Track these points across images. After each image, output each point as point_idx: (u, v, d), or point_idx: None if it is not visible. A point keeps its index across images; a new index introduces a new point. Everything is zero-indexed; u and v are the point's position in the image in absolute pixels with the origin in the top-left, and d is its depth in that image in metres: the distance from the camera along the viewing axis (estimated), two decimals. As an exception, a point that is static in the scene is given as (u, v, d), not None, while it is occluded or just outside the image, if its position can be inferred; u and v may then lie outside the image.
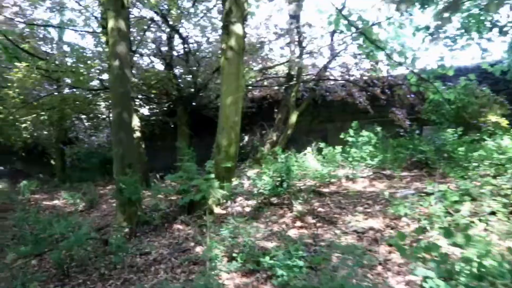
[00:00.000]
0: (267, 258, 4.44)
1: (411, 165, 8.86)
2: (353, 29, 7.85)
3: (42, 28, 14.47)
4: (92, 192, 11.28)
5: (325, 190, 7.56)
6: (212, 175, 6.78)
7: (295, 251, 4.46)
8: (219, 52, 13.20)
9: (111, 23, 6.99)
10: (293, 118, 13.49)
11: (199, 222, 6.70)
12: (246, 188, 8.32)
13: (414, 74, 8.33)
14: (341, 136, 10.04)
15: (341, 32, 10.97)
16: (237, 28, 7.17)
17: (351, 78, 13.48)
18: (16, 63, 10.01)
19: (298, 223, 6.11)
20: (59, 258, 5.34)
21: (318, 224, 5.96)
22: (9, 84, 11.70)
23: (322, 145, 10.14)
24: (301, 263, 4.22)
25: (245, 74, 8.52)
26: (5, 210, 10.34)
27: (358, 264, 4.02)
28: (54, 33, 15.86)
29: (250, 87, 14.27)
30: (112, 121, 7.44)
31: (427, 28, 8.66)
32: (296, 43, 13.53)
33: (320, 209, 6.56)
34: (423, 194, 6.18)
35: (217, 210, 7.02)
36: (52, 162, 18.57)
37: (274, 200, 7.15)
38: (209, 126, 14.88)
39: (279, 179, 6.99)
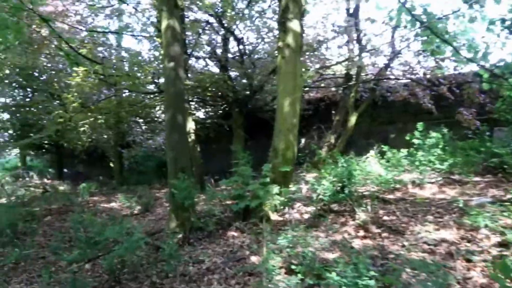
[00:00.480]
0: (334, 274, 3.97)
1: (483, 169, 8.10)
2: (418, 24, 7.25)
3: (101, 34, 14.85)
4: (147, 195, 11.30)
5: (390, 196, 6.99)
6: (269, 180, 6.44)
7: (363, 269, 3.95)
8: (275, 52, 12.95)
9: (164, 23, 6.85)
10: (352, 120, 12.91)
11: (255, 230, 6.37)
12: (304, 193, 7.90)
13: (486, 70, 7.57)
14: (407, 138, 9.30)
15: (405, 27, 10.30)
16: (294, 25, 6.80)
17: (414, 77, 12.69)
18: (74, 68, 10.21)
19: (362, 233, 5.62)
20: (111, 264, 5.19)
21: (383, 235, 5.45)
22: (71, 90, 11.99)
23: (385, 148, 9.49)
24: (372, 283, 3.73)
25: (302, 74, 8.09)
26: (65, 212, 10.55)
27: (436, 284, 3.50)
28: (113, 39, 16.29)
29: (306, 89, 13.82)
30: (165, 123, 7.29)
31: (503, 21, 7.87)
32: (354, 41, 12.96)
33: (385, 217, 6.03)
34: (504, 203, 5.50)
35: (274, 216, 6.65)
36: (111, 165, 19.03)
37: (334, 207, 6.70)
38: (264, 128, 14.58)
39: (340, 184, 6.52)
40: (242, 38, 13.25)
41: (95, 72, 10.39)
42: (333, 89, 14.75)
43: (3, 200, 12.14)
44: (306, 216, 6.66)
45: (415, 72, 12.80)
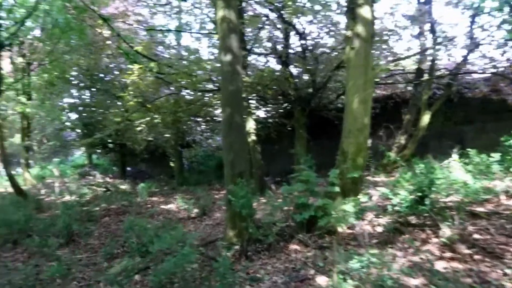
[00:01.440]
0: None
1: None
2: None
3: (160, 33, 14.76)
4: (206, 198, 10.91)
5: (480, 209, 5.97)
6: (337, 188, 5.70)
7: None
8: (339, 47, 12.11)
9: (220, 14, 6.27)
10: (425, 119, 11.81)
11: (320, 243, 5.66)
12: (375, 201, 7.07)
13: None
14: (502, 139, 7.95)
15: (488, 13, 9.13)
16: (365, 11, 5.99)
17: (497, 70, 11.37)
18: (130, 66, 10.00)
19: (448, 253, 4.73)
20: (160, 280, 4.69)
21: (476, 257, 4.54)
22: (127, 89, 11.88)
23: (471, 151, 8.28)
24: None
25: (374, 67, 7.22)
26: (123, 213, 10.38)
27: None
28: (172, 38, 16.20)
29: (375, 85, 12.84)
30: (222, 123, 6.69)
31: None
32: (427, 32, 11.84)
33: (476, 235, 5.08)
34: None
35: (342, 229, 5.88)
36: (172, 164, 19.01)
37: (412, 219, 5.81)
38: (328, 128, 13.81)
39: (419, 193, 5.62)
40: (304, 32, 12.49)
41: (150, 70, 10.08)
42: (401, 85, 13.66)
43: (67, 198, 12.27)
44: (379, 229, 5.84)
45: (498, 65, 11.48)
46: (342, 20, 12.00)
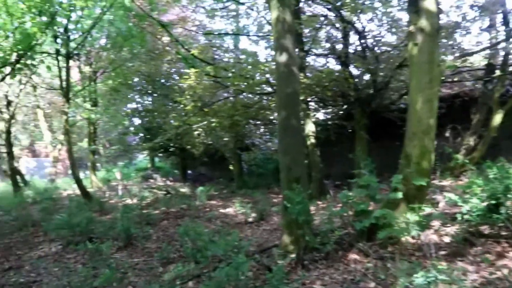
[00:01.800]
0: None
1: None
2: None
3: (218, 38, 14.88)
4: (264, 202, 10.76)
5: None
6: (400, 194, 5.31)
7: None
8: (401, 44, 11.54)
9: (274, 14, 6.08)
10: (497, 118, 10.93)
11: (382, 253, 5.30)
12: (441, 208, 6.58)
13: None
14: None
15: None
16: (429, 3, 5.54)
17: None
18: (186, 70, 10.06)
19: (529, 269, 4.25)
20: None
21: (562, 274, 4.03)
22: (184, 93, 12.01)
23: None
24: None
25: (440, 64, 6.69)
26: (181, 216, 10.45)
27: None
28: (230, 42, 16.31)
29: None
30: (277, 126, 6.48)
31: None
32: (499, 25, 11.01)
33: (561, 249, 4.54)
34: None
35: (406, 238, 5.48)
36: (231, 167, 19.09)
37: (485, 229, 5.29)
38: (389, 129, 13.21)
39: (493, 201, 5.09)
40: (364, 30, 12.04)
41: (206, 74, 10.09)
42: (470, 83, 12.78)
43: (129, 201, 12.59)
44: (446, 239, 5.38)
45: None
46: (403, 16, 11.49)
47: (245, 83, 10.96)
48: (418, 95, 5.55)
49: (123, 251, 7.29)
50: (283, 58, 5.97)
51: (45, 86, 20.22)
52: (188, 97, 11.82)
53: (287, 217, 5.76)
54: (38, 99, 21.28)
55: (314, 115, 14.77)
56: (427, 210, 5.69)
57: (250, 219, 9.53)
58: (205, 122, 13.32)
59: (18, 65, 10.56)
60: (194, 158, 21.30)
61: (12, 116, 17.41)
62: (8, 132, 17.26)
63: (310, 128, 12.01)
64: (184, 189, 16.04)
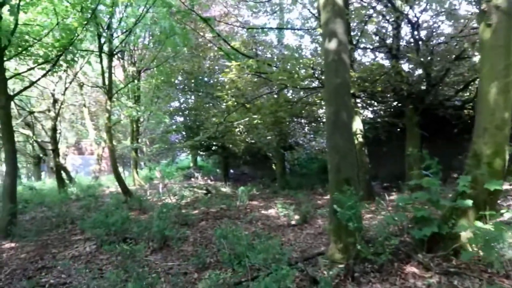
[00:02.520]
0: None
1: None
2: None
3: (262, 34, 14.43)
4: (307, 204, 10.16)
5: None
6: (470, 202, 4.56)
7: None
8: (459, 33, 10.60)
9: (323, -4, 5.47)
10: None
11: (445, 267, 4.58)
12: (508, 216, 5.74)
13: None
14: None
15: None
16: (506, -25, 4.75)
17: None
18: (227, 63, 9.60)
19: None
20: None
21: None
22: (224, 88, 11.57)
23: None
24: None
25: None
26: (221, 217, 9.99)
27: None
28: (274, 38, 15.85)
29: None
30: (326, 122, 5.81)
31: None
32: None
33: None
34: None
35: (473, 249, 4.72)
36: (274, 167, 18.58)
37: None
38: (442, 128, 12.29)
39: None
40: (418, 21, 11.16)
41: (249, 67, 9.53)
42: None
43: (168, 200, 12.28)
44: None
45: None
46: (462, 6, 10.56)
47: (290, 77, 10.28)
48: (490, 85, 4.75)
49: (157, 253, 6.88)
50: (332, 45, 5.33)
51: (90, 84, 20.48)
52: (229, 92, 11.30)
53: (336, 222, 5.12)
54: (84, 98, 21.57)
55: (362, 112, 13.97)
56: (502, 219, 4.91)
57: (293, 222, 8.94)
58: (246, 119, 12.74)
59: (59, 61, 10.44)
60: (236, 157, 20.94)
61: (58, 114, 17.61)
62: (54, 129, 17.48)
63: (357, 126, 11.30)
64: (225, 189, 15.63)
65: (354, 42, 11.82)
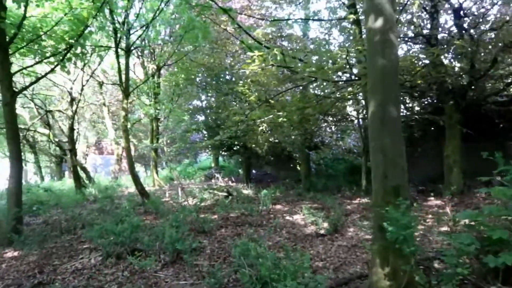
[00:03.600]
0: None
1: None
2: None
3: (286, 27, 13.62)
4: (337, 209, 9.19)
5: None
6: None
7: None
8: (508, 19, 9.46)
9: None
10: None
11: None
12: None
13: None
14: None
15: None
16: None
17: None
18: (249, 53, 8.68)
19: None
20: None
21: None
22: (246, 82, 10.66)
23: None
24: None
25: None
26: (242, 224, 9.09)
27: None
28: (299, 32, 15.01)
29: None
30: (369, 117, 4.67)
31: None
32: None
33: None
34: None
35: None
36: (298, 167, 17.63)
37: None
38: (485, 127, 11.15)
39: None
40: (461, 7, 10.02)
41: (273, 57, 8.52)
42: None
43: (185, 203, 11.44)
44: None
45: None
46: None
47: (320, 69, 9.17)
48: None
49: (169, 268, 6.02)
50: (378, 23, 4.32)
51: (109, 82, 20.01)
52: (251, 86, 10.31)
53: (383, 242, 4.12)
54: (103, 97, 21.10)
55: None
56: None
57: (322, 231, 7.97)
58: (270, 117, 11.68)
59: (68, 55, 9.70)
60: (258, 157, 20.03)
61: (75, 113, 17.06)
62: (71, 129, 16.95)
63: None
64: (247, 191, 14.71)
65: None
